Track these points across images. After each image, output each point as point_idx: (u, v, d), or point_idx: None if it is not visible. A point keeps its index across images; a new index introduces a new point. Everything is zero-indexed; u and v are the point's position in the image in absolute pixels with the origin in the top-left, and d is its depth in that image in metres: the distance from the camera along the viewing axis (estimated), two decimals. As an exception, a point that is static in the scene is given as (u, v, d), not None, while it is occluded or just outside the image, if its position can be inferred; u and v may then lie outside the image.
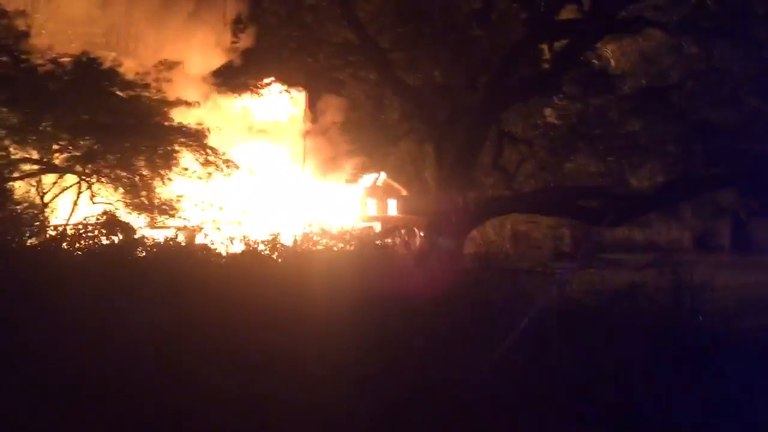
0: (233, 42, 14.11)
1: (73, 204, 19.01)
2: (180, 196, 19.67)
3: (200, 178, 19.27)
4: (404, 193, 30.23)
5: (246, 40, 14.54)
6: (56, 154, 18.02)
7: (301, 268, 8.27)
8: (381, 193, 31.89)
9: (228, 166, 19.00)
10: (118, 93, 18.60)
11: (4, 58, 16.13)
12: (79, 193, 15.66)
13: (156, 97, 18.66)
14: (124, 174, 18.93)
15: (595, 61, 16.04)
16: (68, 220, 15.22)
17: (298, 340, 6.58)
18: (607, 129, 14.63)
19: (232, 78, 14.98)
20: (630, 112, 15.01)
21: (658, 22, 13.05)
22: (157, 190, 19.29)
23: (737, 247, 25.32)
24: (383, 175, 33.62)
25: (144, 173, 19.14)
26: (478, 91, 12.89)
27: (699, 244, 27.63)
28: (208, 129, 19.47)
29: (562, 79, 14.52)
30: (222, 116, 19.63)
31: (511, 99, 12.66)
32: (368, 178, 33.15)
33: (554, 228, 24.67)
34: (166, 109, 19.58)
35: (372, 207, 30.74)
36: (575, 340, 7.43)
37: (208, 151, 19.11)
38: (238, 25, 13.95)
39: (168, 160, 18.79)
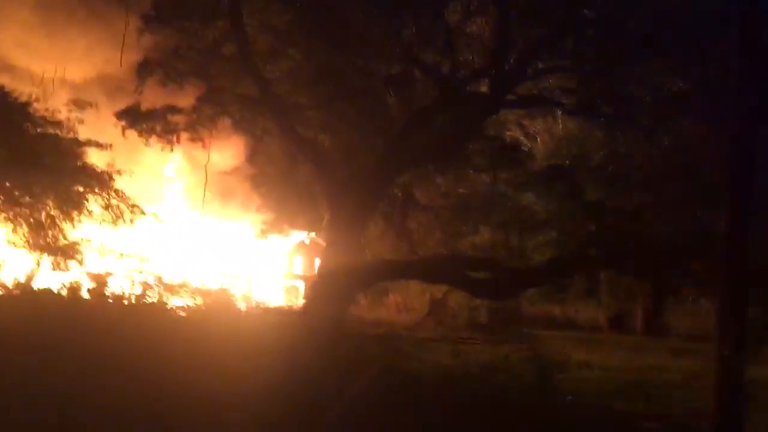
0: (138, 85, 13.84)
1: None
2: (85, 240, 19.02)
3: (105, 222, 18.70)
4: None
5: (152, 85, 14.29)
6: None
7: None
8: (308, 251, 31.42)
9: (133, 212, 18.47)
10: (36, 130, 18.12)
11: None
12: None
13: (67, 137, 18.21)
14: (28, 212, 18.29)
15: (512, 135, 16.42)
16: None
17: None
18: (511, 202, 14.80)
19: (139, 121, 14.66)
20: (533, 188, 15.27)
21: (558, 102, 13.32)
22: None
23: (648, 330, 25.67)
24: (312, 234, 33.25)
25: (51, 213, 18.52)
26: (376, 154, 12.89)
27: (613, 325, 27.92)
28: (118, 171, 18.99)
29: (467, 150, 14.74)
30: (139, 159, 19.24)
31: (406, 165, 12.67)
32: (298, 235, 32.79)
33: (470, 298, 24.64)
34: (77, 149, 19.10)
35: (298, 265, 30.30)
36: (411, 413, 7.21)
37: (113, 194, 18.58)
38: (142, 70, 13.71)
39: (78, 203, 18.23)
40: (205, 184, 17.02)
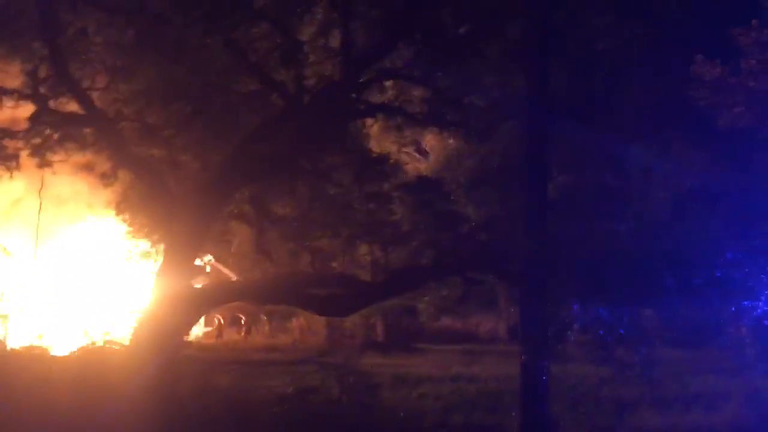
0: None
1: None
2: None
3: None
4: (234, 278, 28.68)
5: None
6: None
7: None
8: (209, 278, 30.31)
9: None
10: None
11: None
12: None
13: None
14: None
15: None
16: None
17: None
18: (374, 216, 14.41)
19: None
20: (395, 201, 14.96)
21: (406, 111, 13.10)
22: None
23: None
24: (210, 258, 32.26)
25: None
26: (211, 171, 12.38)
27: (513, 334, 27.83)
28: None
29: (323, 163, 14.31)
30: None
31: (244, 180, 12.16)
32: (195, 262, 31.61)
33: (366, 317, 24.20)
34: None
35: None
36: None
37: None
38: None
39: None
40: (39, 211, 16.05)
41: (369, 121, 14.70)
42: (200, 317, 11.62)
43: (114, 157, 12.57)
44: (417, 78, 12.30)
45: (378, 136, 16.30)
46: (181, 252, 11.57)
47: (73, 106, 12.74)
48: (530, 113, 7.88)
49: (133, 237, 18.09)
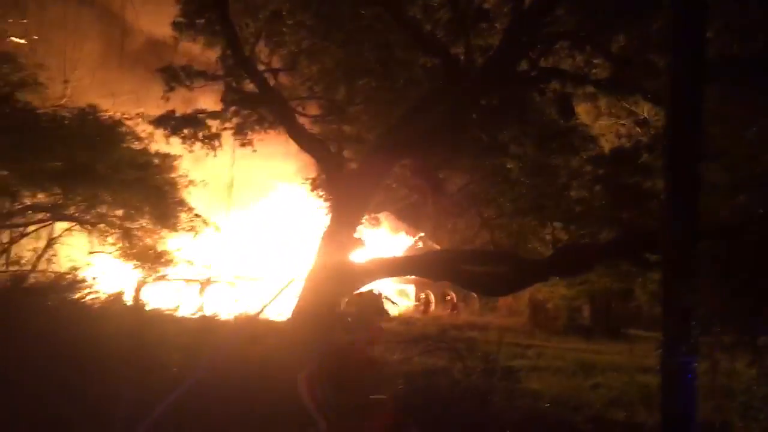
0: (166, 91, 14.32)
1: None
2: (177, 249, 20.16)
3: (186, 231, 19.70)
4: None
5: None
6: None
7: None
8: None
9: (205, 223, 19.30)
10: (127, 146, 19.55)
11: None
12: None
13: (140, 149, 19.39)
14: (126, 224, 19.73)
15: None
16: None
17: None
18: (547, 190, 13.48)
19: (180, 128, 15.17)
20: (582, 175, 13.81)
21: (576, 74, 12.01)
22: (148, 241, 19.96)
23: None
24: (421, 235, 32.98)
25: (143, 224, 19.86)
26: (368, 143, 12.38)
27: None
28: (192, 182, 19.90)
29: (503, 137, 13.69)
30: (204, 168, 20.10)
31: (406, 151, 11.99)
32: (408, 239, 32.62)
33: (571, 299, 22.96)
34: (170, 161, 20.29)
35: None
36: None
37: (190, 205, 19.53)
38: (165, 73, 14.18)
39: (170, 215, 19.38)
40: (231, 187, 17.22)
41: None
42: (356, 290, 11.69)
43: (287, 130, 13.03)
44: (588, 39, 11.13)
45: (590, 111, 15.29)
46: (342, 224, 11.74)
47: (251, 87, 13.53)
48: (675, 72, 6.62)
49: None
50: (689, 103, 6.55)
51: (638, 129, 16.42)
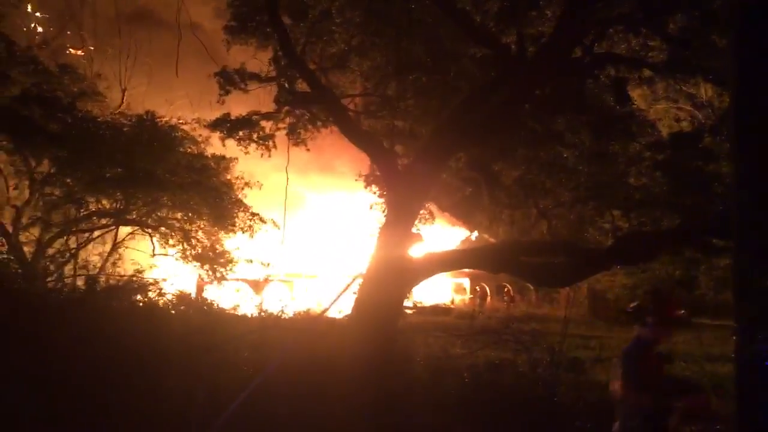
0: (221, 94, 14.58)
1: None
2: (235, 249, 20.55)
3: (242, 231, 20.08)
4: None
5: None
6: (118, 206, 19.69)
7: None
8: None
9: (263, 221, 19.60)
10: (184, 150, 20.04)
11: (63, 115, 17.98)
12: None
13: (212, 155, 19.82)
14: (187, 227, 20.20)
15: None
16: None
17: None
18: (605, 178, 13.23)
19: (235, 130, 15.43)
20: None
21: (632, 59, 11.73)
22: (206, 242, 20.41)
23: None
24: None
25: (202, 226, 20.31)
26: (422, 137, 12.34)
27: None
28: (247, 184, 20.24)
29: (557, 126, 13.50)
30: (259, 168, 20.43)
31: (461, 144, 11.93)
32: (462, 232, 32.53)
33: (631, 288, 22.57)
34: (227, 164, 20.72)
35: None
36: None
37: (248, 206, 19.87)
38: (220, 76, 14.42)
39: (228, 216, 19.79)
40: (286, 185, 17.41)
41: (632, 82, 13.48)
42: (415, 285, 11.69)
43: (339, 127, 13.11)
44: (644, 22, 10.87)
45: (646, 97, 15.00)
46: (400, 219, 11.74)
47: (304, 86, 13.68)
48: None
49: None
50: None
51: (697, 112, 15.99)
